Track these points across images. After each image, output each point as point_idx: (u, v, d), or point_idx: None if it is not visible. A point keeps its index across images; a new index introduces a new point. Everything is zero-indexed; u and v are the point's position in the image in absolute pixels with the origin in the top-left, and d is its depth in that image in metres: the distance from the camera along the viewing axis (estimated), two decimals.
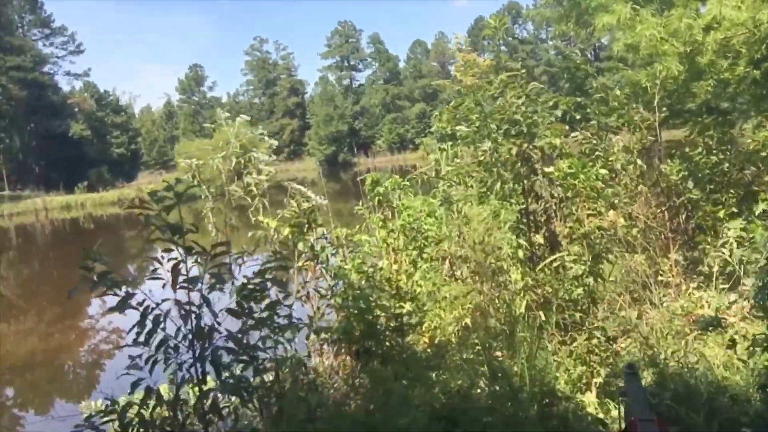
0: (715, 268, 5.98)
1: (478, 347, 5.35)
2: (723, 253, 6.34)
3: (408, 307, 4.62)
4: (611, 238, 6.27)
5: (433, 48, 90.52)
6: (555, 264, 5.14)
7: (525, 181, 5.60)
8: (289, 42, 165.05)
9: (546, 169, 5.05)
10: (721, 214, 6.86)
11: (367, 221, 5.13)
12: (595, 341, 4.49)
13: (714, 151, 6.63)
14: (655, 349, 5.35)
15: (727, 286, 5.91)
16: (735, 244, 6.42)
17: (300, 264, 4.30)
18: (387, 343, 4.47)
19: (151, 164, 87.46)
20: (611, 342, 4.68)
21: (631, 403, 3.78)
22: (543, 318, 5.05)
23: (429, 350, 4.82)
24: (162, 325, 3.32)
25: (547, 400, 4.24)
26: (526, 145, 5.23)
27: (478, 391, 4.87)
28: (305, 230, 4.25)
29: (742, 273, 5.99)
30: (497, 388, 4.76)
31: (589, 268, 4.41)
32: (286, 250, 4.24)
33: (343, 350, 4.41)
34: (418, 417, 3.91)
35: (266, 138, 4.37)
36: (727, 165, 7.07)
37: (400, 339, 4.56)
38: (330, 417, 3.92)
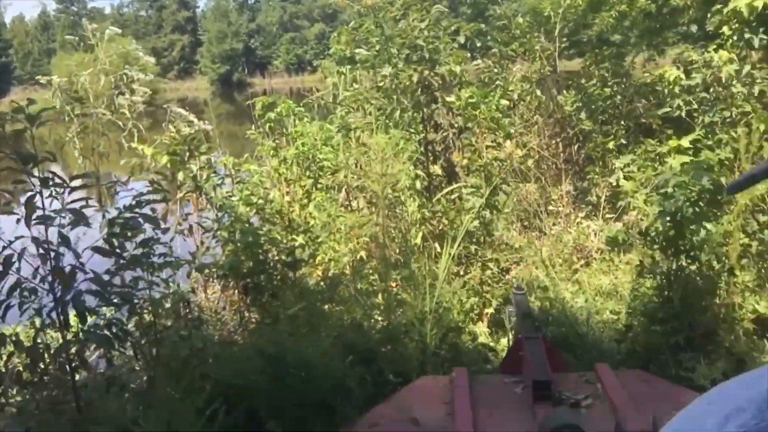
0: (603, 198, 6.17)
1: (373, 278, 5.25)
2: (611, 183, 6.55)
3: (301, 239, 4.39)
4: (507, 169, 6.28)
5: None
6: (452, 196, 5.06)
7: (425, 110, 5.41)
8: None
9: (447, 98, 4.86)
10: (611, 145, 7.04)
11: (258, 149, 4.77)
12: (488, 273, 4.49)
13: (609, 84, 6.69)
14: (543, 277, 5.49)
15: (614, 215, 6.13)
16: (622, 175, 6.64)
17: (181, 196, 3.92)
18: (278, 278, 4.24)
19: (26, 79, 79.91)
20: (504, 273, 4.71)
21: (519, 322, 3.83)
22: (438, 250, 5.00)
23: (323, 283, 4.65)
24: (17, 266, 2.91)
25: (440, 331, 4.22)
26: (427, 72, 5.00)
27: (372, 321, 4.80)
28: (186, 159, 3.86)
29: (630, 205, 6.22)
30: (392, 318, 4.71)
31: (486, 201, 4.35)
32: (165, 181, 3.84)
33: (230, 285, 4.15)
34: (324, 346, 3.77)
35: (141, 54, 3.86)
36: (619, 98, 7.21)
37: (292, 273, 4.35)
38: (215, 354, 3.70)
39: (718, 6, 4.24)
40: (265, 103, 4.36)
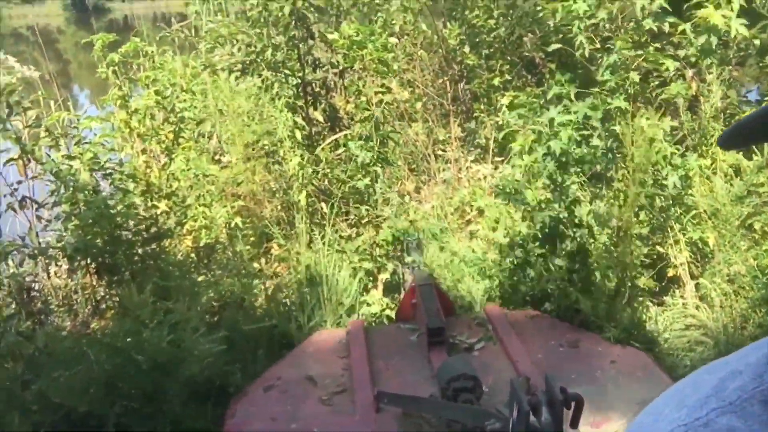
0: (492, 141, 5.91)
1: (252, 239, 4.72)
2: (498, 123, 6.31)
3: (163, 206, 3.75)
4: (394, 113, 5.84)
5: None
6: (338, 150, 4.56)
7: (301, 46, 4.79)
8: None
9: (329, 35, 4.28)
10: (496, 82, 6.76)
11: (102, 99, 3.98)
12: (381, 235, 4.11)
13: (494, 15, 6.33)
14: (437, 227, 5.21)
15: (500, 159, 5.91)
16: (508, 113, 6.41)
17: (3, 163, 3.14)
18: (138, 254, 3.61)
19: None
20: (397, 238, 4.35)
21: (413, 270, 3.67)
22: (325, 210, 4.53)
23: (193, 255, 4.07)
24: None
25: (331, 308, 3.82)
26: (301, 2, 4.36)
27: (255, 293, 4.31)
28: (6, 116, 3.07)
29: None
30: (278, 292, 4.24)
31: (377, 155, 3.90)
32: None
33: (79, 268, 3.47)
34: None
35: None
36: (503, 29, 6.90)
37: (156, 246, 3.72)
38: (63, 351, 3.08)
39: None
40: (105, 41, 3.56)
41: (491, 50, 6.86)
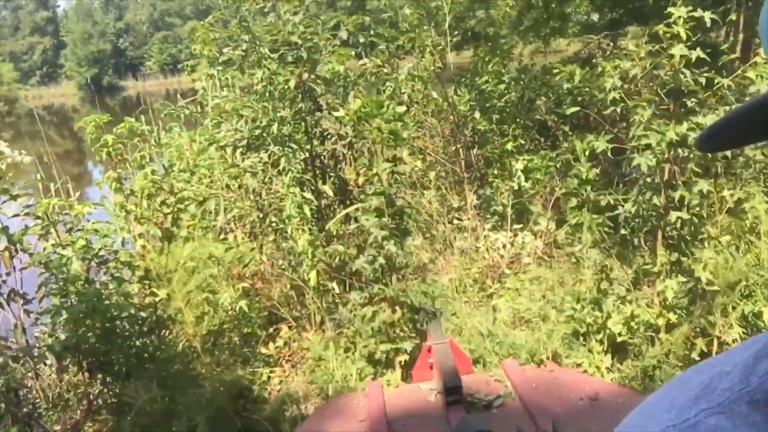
0: (509, 208, 5.66)
1: (260, 322, 4.43)
2: (512, 186, 6.07)
3: (163, 293, 3.48)
4: (407, 182, 5.63)
5: None
6: (350, 225, 4.32)
7: (308, 119, 4.62)
8: None
9: (335, 113, 4.11)
10: (509, 146, 6.58)
11: (97, 182, 3.78)
12: (398, 314, 3.80)
13: (505, 80, 6.20)
14: (453, 302, 4.89)
15: (519, 226, 5.64)
16: (522, 178, 6.19)
17: None
18: (135, 346, 3.32)
19: None
20: (415, 312, 4.04)
21: (427, 328, 3.60)
22: (336, 290, 4.25)
23: (196, 343, 3.76)
24: None
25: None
26: (306, 74, 4.21)
27: (261, 383, 3.99)
28: None
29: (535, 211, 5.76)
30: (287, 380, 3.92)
31: (390, 232, 3.64)
32: None
33: (70, 366, 3.18)
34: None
35: None
36: (513, 94, 6.77)
37: (155, 338, 3.43)
38: None
39: None
40: (99, 122, 3.39)
41: (503, 115, 6.71)
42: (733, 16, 4.72)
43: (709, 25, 3.67)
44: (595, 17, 6.02)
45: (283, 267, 4.77)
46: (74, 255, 3.08)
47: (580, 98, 6.50)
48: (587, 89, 5.25)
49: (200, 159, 6.14)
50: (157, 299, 3.50)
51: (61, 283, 3.05)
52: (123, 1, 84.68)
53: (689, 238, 3.66)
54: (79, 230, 3.18)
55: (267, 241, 4.58)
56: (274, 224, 4.46)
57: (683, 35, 3.49)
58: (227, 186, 5.59)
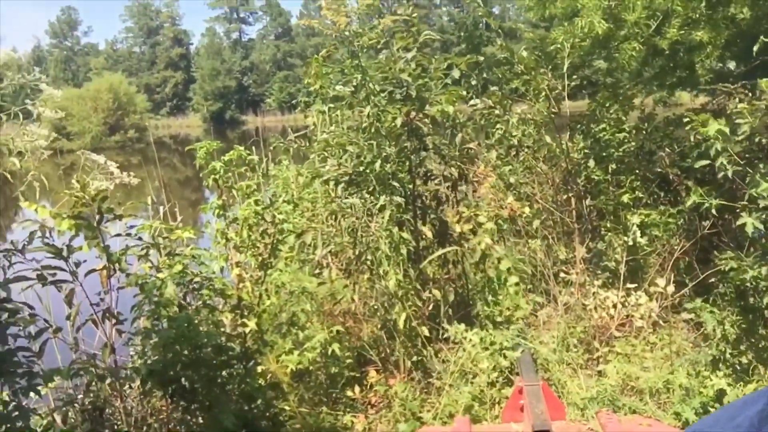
0: (623, 265, 5.23)
1: (349, 362, 4.28)
2: (626, 242, 5.63)
3: (252, 324, 3.42)
4: (511, 229, 5.38)
5: (325, 5, 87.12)
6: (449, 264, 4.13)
7: (412, 158, 4.50)
8: None
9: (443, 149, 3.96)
10: (625, 198, 6.15)
11: (201, 207, 3.83)
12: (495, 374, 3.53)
13: (626, 128, 5.83)
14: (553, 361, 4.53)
15: (633, 285, 5.19)
16: (639, 233, 5.74)
17: (85, 273, 2.96)
18: (220, 376, 3.26)
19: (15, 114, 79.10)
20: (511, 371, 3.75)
21: (521, 369, 3.41)
22: (426, 334, 4.03)
23: (284, 378, 3.66)
24: None
25: None
26: (414, 113, 4.11)
27: (347, 425, 3.81)
28: (96, 224, 2.92)
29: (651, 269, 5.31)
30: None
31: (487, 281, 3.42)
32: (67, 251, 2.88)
33: (154, 392, 3.16)
34: None
35: (42, 83, 2.92)
36: (633, 144, 6.36)
37: (241, 369, 3.36)
38: None
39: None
40: (210, 148, 3.44)
41: (619, 165, 6.31)
42: None
43: None
44: (731, 65, 5.55)
45: (375, 307, 4.63)
46: (170, 279, 3.08)
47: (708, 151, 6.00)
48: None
49: (305, 192, 6.19)
50: (246, 330, 3.43)
51: (153, 306, 3.05)
52: (250, 42, 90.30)
53: None
54: (177, 255, 3.20)
55: (361, 279, 4.46)
56: (369, 262, 4.34)
57: None
58: (327, 221, 5.56)
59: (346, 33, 4.19)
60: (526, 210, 4.52)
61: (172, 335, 2.94)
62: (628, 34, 4.72)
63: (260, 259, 3.60)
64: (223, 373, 3.34)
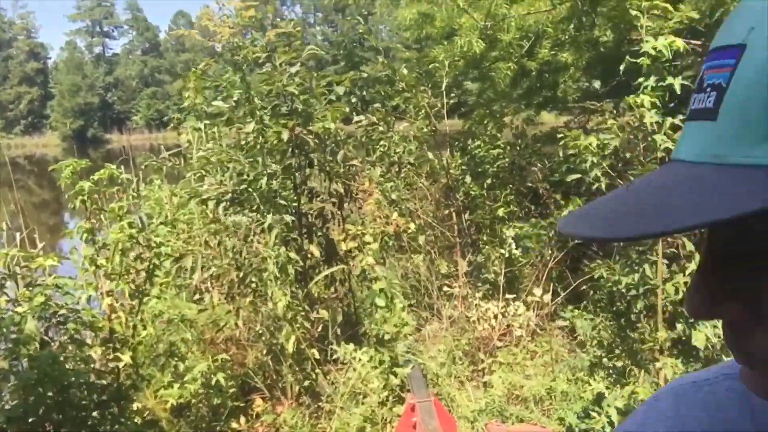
0: (501, 277, 5.41)
1: (232, 391, 4.06)
2: (503, 254, 5.85)
3: (127, 358, 3.14)
4: (395, 244, 5.40)
5: (197, 21, 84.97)
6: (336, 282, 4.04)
7: (297, 175, 4.40)
8: None
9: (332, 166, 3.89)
10: (500, 212, 6.41)
11: (67, 232, 3.47)
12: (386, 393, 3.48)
13: (501, 145, 6.08)
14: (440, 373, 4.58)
15: (511, 296, 5.38)
16: (514, 245, 5.98)
17: None
18: (92, 418, 2.95)
19: None
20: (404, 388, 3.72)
21: (414, 390, 3.43)
22: (317, 356, 3.92)
23: (162, 414, 3.39)
24: None
25: None
26: (299, 128, 4.01)
27: None
28: None
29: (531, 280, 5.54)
30: None
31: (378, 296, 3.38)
32: None
33: None
34: None
35: None
36: (507, 160, 6.66)
37: (115, 408, 3.06)
38: None
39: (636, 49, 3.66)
40: (76, 168, 3.12)
41: (495, 180, 6.58)
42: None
43: (679, 92, 3.55)
44: (596, 84, 5.96)
45: (260, 332, 4.44)
46: (30, 312, 2.75)
47: (576, 166, 6.40)
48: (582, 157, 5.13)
49: (179, 213, 5.86)
50: (120, 365, 3.15)
51: (11, 344, 2.71)
52: (114, 57, 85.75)
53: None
54: (38, 285, 2.87)
55: (244, 303, 4.26)
56: (253, 284, 4.16)
57: (647, 104, 3.36)
58: (206, 242, 5.30)
59: (227, 46, 4.02)
60: (411, 226, 4.54)
61: (34, 376, 2.62)
62: (503, 54, 4.92)
63: (134, 286, 3.32)
64: (94, 414, 3.02)
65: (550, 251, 6.10)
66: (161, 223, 3.64)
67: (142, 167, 5.99)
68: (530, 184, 7.04)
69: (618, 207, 0.43)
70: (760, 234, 0.41)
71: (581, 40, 5.07)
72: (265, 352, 4.43)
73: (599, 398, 3.41)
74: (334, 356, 4.23)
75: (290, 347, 3.62)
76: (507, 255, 5.82)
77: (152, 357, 3.48)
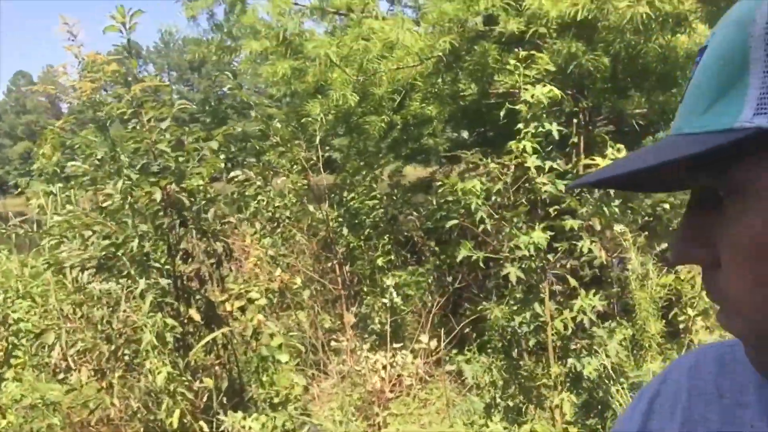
0: (388, 326, 5.39)
1: None
2: (385, 303, 5.86)
3: None
4: (280, 301, 5.22)
5: (40, 81, 79.73)
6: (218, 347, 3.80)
7: (170, 235, 4.14)
8: None
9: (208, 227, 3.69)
10: (380, 262, 6.45)
11: None
12: None
13: (378, 195, 6.16)
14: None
15: (398, 345, 5.37)
16: (395, 293, 6.02)
17: None
18: None
19: None
20: None
21: None
22: (206, 429, 3.63)
23: None
24: None
25: None
26: (172, 186, 3.80)
27: None
28: None
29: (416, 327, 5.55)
30: None
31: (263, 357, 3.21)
32: None
33: None
34: None
35: None
36: (381, 210, 6.75)
37: None
38: None
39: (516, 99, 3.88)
40: None
41: (372, 231, 6.63)
42: (575, 139, 5.07)
43: (557, 137, 3.82)
44: (464, 134, 6.24)
45: (136, 409, 4.05)
46: None
47: (449, 213, 6.63)
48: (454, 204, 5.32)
49: (32, 285, 5.31)
50: None
51: None
52: None
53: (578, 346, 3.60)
54: None
55: (116, 378, 3.88)
56: (127, 357, 3.81)
57: (529, 149, 3.60)
58: (65, 316, 4.83)
59: (87, 103, 3.75)
60: (298, 281, 4.41)
61: None
62: (374, 107, 5.02)
63: None
64: None
65: (431, 297, 6.22)
66: (20, 298, 3.24)
67: None
68: (406, 233, 7.18)
69: (612, 164, 0.55)
70: (709, 191, 0.53)
71: (444, 94, 5.32)
72: (142, 431, 4.03)
73: None
74: (221, 428, 3.94)
75: (175, 422, 3.32)
76: (389, 304, 5.84)
77: None
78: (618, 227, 3.58)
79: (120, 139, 3.80)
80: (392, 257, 6.63)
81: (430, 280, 6.49)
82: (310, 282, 5.98)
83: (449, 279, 6.57)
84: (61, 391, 3.62)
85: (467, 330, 5.45)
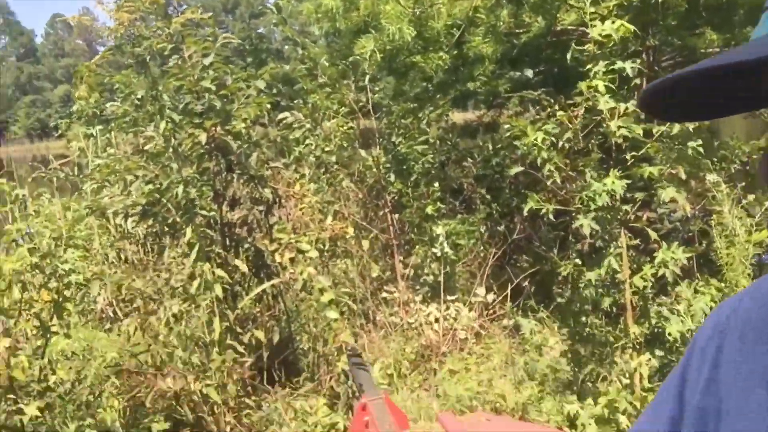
0: (441, 277, 5.14)
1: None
2: (435, 254, 5.60)
3: (34, 410, 2.58)
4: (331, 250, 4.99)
5: (76, 24, 79.93)
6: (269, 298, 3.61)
7: (217, 179, 3.92)
8: None
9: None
10: (429, 209, 6.15)
11: None
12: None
13: (430, 140, 5.82)
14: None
15: (452, 297, 5.13)
16: (446, 245, 5.74)
17: None
18: None
19: None
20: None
21: (358, 385, 3.13)
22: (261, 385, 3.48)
23: None
24: None
25: None
26: (218, 128, 3.54)
27: None
28: None
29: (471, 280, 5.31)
30: None
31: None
32: None
33: None
34: None
35: None
36: (431, 156, 6.41)
37: None
38: None
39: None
40: None
41: (419, 177, 6.32)
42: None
43: (632, 75, 3.41)
44: (529, 73, 5.81)
45: (185, 360, 3.92)
46: None
47: (501, 160, 6.27)
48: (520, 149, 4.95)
49: (76, 230, 5.20)
50: (25, 419, 2.58)
51: None
52: None
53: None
54: None
55: (163, 329, 3.74)
56: (175, 308, 3.64)
57: (602, 89, 3.20)
58: (111, 262, 4.70)
59: (124, 36, 3.47)
60: (350, 230, 4.17)
61: None
62: (431, 43, 4.62)
63: (38, 323, 2.76)
64: None
65: (482, 248, 5.93)
66: (70, 246, 3.07)
67: (29, 180, 5.28)
68: (457, 181, 6.87)
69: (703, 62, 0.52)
70: None
71: (502, 31, 4.89)
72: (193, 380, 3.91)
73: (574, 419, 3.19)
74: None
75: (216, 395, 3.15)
76: (439, 254, 5.58)
77: (77, 404, 2.91)
78: (711, 176, 3.20)
79: (161, 77, 3.53)
80: (441, 205, 6.33)
81: (482, 230, 6.20)
82: (359, 230, 5.73)
83: (501, 228, 6.27)
84: (108, 339, 3.49)
85: (525, 284, 5.19)
